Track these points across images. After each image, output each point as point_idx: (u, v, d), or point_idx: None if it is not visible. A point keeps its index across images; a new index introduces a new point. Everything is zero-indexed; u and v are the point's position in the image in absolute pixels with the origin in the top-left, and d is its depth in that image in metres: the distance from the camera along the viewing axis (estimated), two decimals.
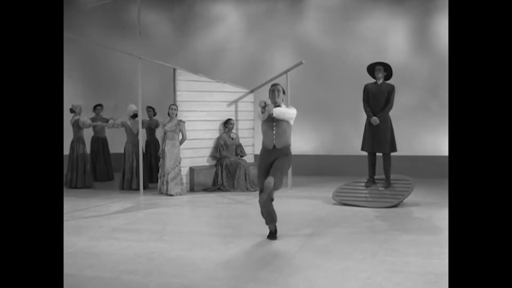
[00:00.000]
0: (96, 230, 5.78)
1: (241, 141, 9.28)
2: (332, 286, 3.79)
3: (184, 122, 8.44)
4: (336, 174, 10.34)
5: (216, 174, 8.82)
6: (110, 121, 9.55)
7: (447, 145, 6.47)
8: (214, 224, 6.33)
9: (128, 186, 8.89)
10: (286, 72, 8.69)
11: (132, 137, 9.00)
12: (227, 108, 9.23)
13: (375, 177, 7.44)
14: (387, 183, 7.24)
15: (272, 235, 5.26)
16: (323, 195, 7.91)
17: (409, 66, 10.25)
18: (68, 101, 9.22)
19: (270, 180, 4.89)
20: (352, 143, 9.92)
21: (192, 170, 8.78)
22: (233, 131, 9.20)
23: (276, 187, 4.94)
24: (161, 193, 8.37)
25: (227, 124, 9.12)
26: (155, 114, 9.88)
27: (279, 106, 5.15)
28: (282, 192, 8.25)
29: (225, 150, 8.98)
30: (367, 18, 10.63)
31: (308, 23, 11.07)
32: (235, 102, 9.31)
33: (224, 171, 8.79)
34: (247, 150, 9.32)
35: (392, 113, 7.27)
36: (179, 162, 8.37)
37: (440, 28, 10.09)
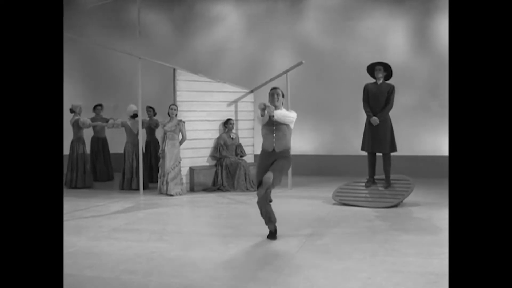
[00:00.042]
0: (96, 230, 5.78)
1: (241, 141, 9.28)
2: (332, 286, 3.79)
3: (184, 122, 8.44)
4: (336, 174, 10.34)
5: (216, 174, 8.82)
6: (110, 121, 9.55)
7: (447, 145, 6.47)
8: (214, 224, 6.33)
9: (128, 186, 8.89)
10: (286, 72, 8.69)
11: (132, 137, 9.00)
12: (227, 108, 9.23)
13: (375, 177, 7.44)
14: (387, 183, 7.24)
15: (272, 235, 5.26)
16: (323, 195, 7.91)
17: (409, 66, 10.25)
18: (68, 101, 9.22)
19: (269, 176, 4.91)
20: (352, 143, 9.92)
21: (192, 170, 8.78)
22: (233, 131, 9.20)
23: (274, 184, 4.97)
24: (161, 193, 8.37)
25: (227, 124, 9.12)
26: (155, 114, 9.88)
27: (278, 109, 5.17)
28: (282, 192, 8.26)
29: (225, 150, 8.98)
30: (367, 18, 10.63)
31: (308, 23, 11.07)
32: (235, 102, 9.31)
33: (224, 171, 8.79)
34: (247, 150, 9.32)
35: (392, 113, 7.27)
36: (179, 162, 8.37)
37: (440, 28, 10.09)
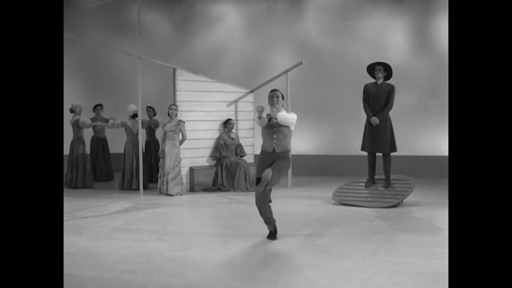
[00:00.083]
0: (96, 230, 5.78)
1: (241, 141, 9.28)
2: (332, 286, 3.79)
3: (184, 122, 8.44)
4: (336, 174, 10.34)
5: (216, 174, 8.82)
6: (110, 121, 9.56)
7: (447, 145, 6.47)
8: (214, 224, 6.33)
9: (128, 186, 8.90)
10: (286, 72, 8.69)
11: (132, 137, 9.00)
12: (227, 108, 9.23)
13: (375, 177, 7.44)
14: (387, 183, 7.24)
15: (272, 235, 5.26)
16: (323, 195, 7.91)
17: (409, 66, 10.25)
18: (68, 101, 9.22)
19: (268, 172, 4.93)
20: (352, 143, 9.92)
21: (192, 170, 8.78)
22: (233, 131, 9.20)
23: (272, 183, 4.98)
24: (161, 193, 8.37)
25: (227, 124, 9.12)
26: (155, 114, 9.88)
27: (279, 112, 5.17)
28: (282, 192, 8.26)
29: (225, 150, 8.98)
30: (367, 18, 10.63)
31: (308, 23, 11.07)
32: (235, 102, 9.31)
33: (224, 171, 8.79)
34: (247, 150, 9.32)
35: (392, 113, 7.27)
36: (179, 162, 8.37)
37: (440, 28, 10.09)
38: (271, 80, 8.84)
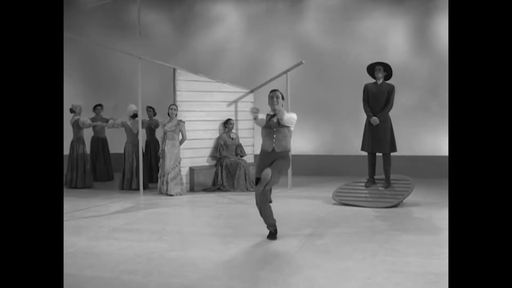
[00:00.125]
0: (96, 230, 5.78)
1: (241, 141, 9.28)
2: (332, 286, 3.79)
3: (184, 122, 8.44)
4: (336, 174, 10.34)
5: (216, 174, 8.82)
6: (110, 121, 9.56)
7: (447, 145, 6.47)
8: (214, 224, 6.33)
9: (128, 186, 8.90)
10: (286, 72, 8.69)
11: (132, 137, 9.00)
12: (227, 108, 9.23)
13: (375, 177, 7.44)
14: (387, 183, 7.24)
15: (272, 235, 5.26)
16: (323, 195, 7.91)
17: (409, 66, 10.25)
18: (68, 101, 9.22)
19: (267, 172, 4.93)
20: (352, 143, 9.92)
21: (192, 170, 8.78)
22: (233, 131, 9.20)
23: (272, 182, 4.97)
24: (161, 193, 8.37)
25: (227, 124, 9.12)
26: (155, 114, 9.88)
27: (280, 112, 5.17)
28: (282, 192, 8.26)
29: (225, 150, 8.98)
30: (367, 18, 10.63)
31: (308, 23, 11.07)
32: (235, 102, 9.31)
33: (224, 171, 8.79)
34: (247, 150, 9.32)
35: (392, 113, 7.27)
36: (179, 162, 8.37)
37: (440, 28, 10.09)
38: (271, 80, 8.84)
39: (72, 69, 11.29)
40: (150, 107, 9.86)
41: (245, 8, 11.45)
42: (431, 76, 10.17)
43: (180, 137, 8.43)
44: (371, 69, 7.36)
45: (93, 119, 9.93)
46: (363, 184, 7.41)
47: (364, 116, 7.35)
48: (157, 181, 8.71)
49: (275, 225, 5.27)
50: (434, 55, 10.14)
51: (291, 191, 8.49)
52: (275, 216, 5.25)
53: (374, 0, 10.59)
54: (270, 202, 5.22)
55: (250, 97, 9.46)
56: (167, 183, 8.25)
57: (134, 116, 9.03)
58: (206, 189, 8.74)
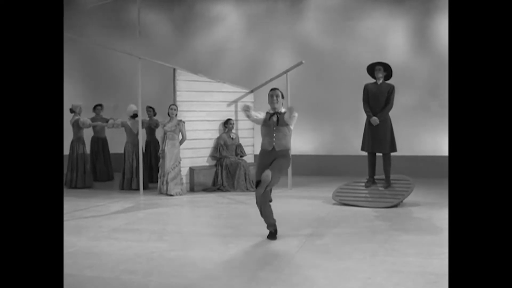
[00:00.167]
0: (96, 230, 5.78)
1: (241, 141, 9.28)
2: (332, 286, 3.79)
3: (184, 122, 8.44)
4: (336, 174, 10.34)
5: (216, 174, 8.82)
6: (110, 121, 9.56)
7: (447, 145, 6.47)
8: (214, 224, 6.33)
9: (128, 186, 8.90)
10: (286, 72, 8.69)
11: (132, 137, 9.00)
12: (227, 108, 9.23)
13: (375, 177, 7.44)
14: (387, 183, 7.24)
15: (272, 235, 5.26)
16: (323, 195, 7.91)
17: (409, 66, 10.25)
18: (68, 101, 9.22)
19: (267, 173, 4.91)
20: (352, 143, 9.92)
21: (192, 170, 8.78)
22: (233, 131, 9.20)
23: (272, 183, 4.97)
24: (161, 193, 8.37)
25: (227, 124, 9.12)
26: (155, 114, 9.88)
27: (279, 111, 5.17)
28: (282, 192, 8.26)
29: (225, 150, 8.98)
30: (367, 18, 10.63)
31: (308, 23, 11.07)
32: (235, 102, 9.31)
33: (224, 171, 8.79)
34: (247, 150, 9.32)
35: (392, 113, 7.27)
36: (179, 162, 8.37)
37: (440, 28, 10.09)
38: (271, 80, 8.84)
39: (72, 69, 11.29)
40: (150, 107, 9.86)
41: (245, 8, 11.45)
42: (431, 76, 10.17)
43: (180, 137, 8.43)
44: (371, 69, 7.36)
45: (93, 119, 9.93)
46: (363, 184, 7.41)
47: (364, 116, 7.35)
48: (157, 181, 8.71)
49: (275, 225, 5.27)
50: (434, 55, 10.14)
51: (291, 191, 8.49)
52: (275, 216, 5.25)
53: (374, 0, 10.59)
54: (270, 201, 5.22)
55: (250, 97, 9.46)
56: (167, 183, 8.25)
57: (134, 116, 9.03)
58: (206, 189, 8.74)
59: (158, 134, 9.62)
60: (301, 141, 10.58)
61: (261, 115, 5.31)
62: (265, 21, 11.21)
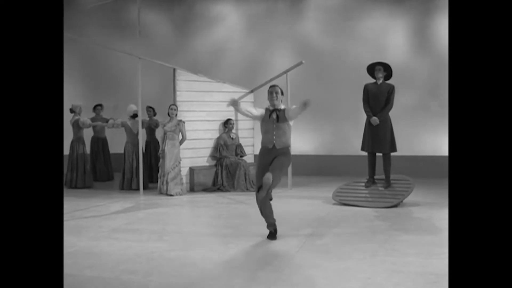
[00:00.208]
0: (96, 230, 5.78)
1: (241, 141, 9.28)
2: (332, 286, 3.79)
3: (184, 122, 8.44)
4: (336, 174, 10.34)
5: (216, 174, 8.82)
6: (110, 121, 9.56)
7: (447, 145, 6.47)
8: (214, 224, 6.33)
9: (128, 186, 8.90)
10: (286, 72, 8.69)
11: (132, 137, 9.00)
12: (227, 108, 9.19)
13: (375, 177, 7.44)
14: (387, 183, 7.24)
15: (272, 235, 5.25)
16: (323, 195, 7.91)
17: (409, 66, 10.25)
18: (68, 101, 9.22)
19: (268, 176, 4.90)
20: (352, 143, 9.92)
21: (192, 170, 8.78)
22: (233, 131, 9.20)
23: (274, 184, 4.96)
24: (161, 193, 8.37)
25: (227, 124, 9.12)
26: (155, 114, 9.88)
27: (279, 108, 5.16)
28: (282, 192, 8.26)
29: (225, 150, 8.98)
30: (367, 18, 10.63)
31: (308, 23, 11.07)
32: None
33: (224, 171, 8.79)
34: (247, 150, 9.32)
35: (392, 113, 7.27)
36: (179, 162, 8.37)
37: (440, 28, 10.09)
38: (271, 80, 8.83)
39: (72, 69, 11.29)
40: (150, 107, 9.86)
41: (245, 8, 11.45)
42: (431, 76, 10.17)
43: (180, 137, 8.43)
44: (371, 69, 7.36)
45: (93, 119, 9.93)
46: (363, 184, 7.41)
47: (364, 116, 7.35)
48: (157, 181, 8.71)
49: (275, 225, 5.27)
50: (434, 55, 10.14)
51: (291, 191, 8.49)
52: (275, 216, 5.25)
53: (374, 0, 10.59)
54: (271, 199, 5.21)
55: (250, 97, 9.46)
56: (167, 183, 8.25)
57: (134, 116, 9.03)
58: (206, 189, 8.74)
59: (158, 134, 9.62)
60: (301, 141, 10.58)
61: (257, 111, 5.29)
62: (265, 21, 11.21)
